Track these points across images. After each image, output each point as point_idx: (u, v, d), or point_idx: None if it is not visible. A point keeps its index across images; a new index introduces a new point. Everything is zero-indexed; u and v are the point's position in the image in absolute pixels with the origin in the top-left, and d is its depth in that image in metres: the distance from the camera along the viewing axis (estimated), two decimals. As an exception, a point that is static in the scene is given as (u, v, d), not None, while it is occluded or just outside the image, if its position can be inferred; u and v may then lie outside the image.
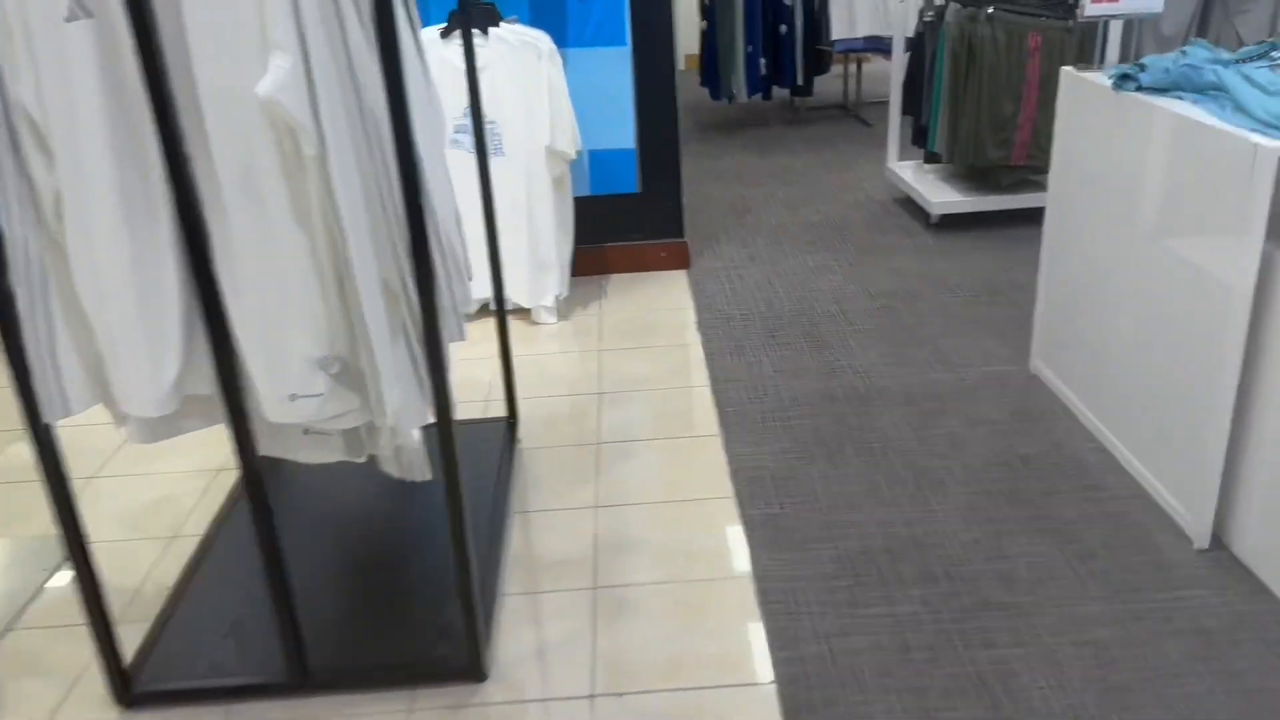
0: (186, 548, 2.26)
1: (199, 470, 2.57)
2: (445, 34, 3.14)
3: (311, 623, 1.91)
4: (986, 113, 3.77)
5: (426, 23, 3.31)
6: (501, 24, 3.12)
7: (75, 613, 1.86)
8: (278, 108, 1.39)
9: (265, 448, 1.71)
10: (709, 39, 5.49)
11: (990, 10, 3.68)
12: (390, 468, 1.83)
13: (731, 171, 5.01)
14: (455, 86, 3.12)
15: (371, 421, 1.65)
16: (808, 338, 3.14)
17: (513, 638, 1.94)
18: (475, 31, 3.08)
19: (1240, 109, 1.97)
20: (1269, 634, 1.84)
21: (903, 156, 4.47)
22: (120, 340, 1.55)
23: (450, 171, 3.20)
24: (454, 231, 2.00)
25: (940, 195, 4.01)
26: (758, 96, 5.61)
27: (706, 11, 5.48)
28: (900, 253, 3.81)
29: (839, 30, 5.43)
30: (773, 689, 1.78)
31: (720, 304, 3.44)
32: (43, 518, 2.36)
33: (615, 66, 3.46)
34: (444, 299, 1.83)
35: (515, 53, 3.10)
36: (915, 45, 4.25)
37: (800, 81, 5.62)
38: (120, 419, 1.70)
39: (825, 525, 2.22)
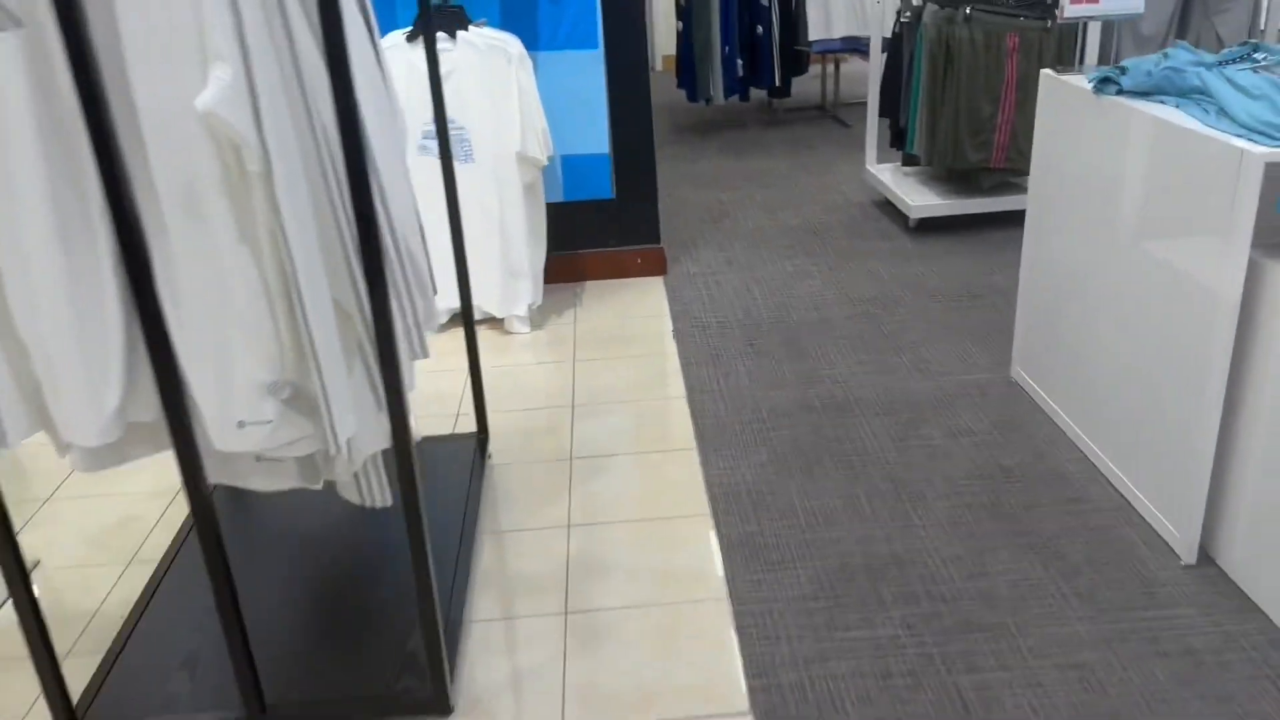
0: (144, 573, 2.18)
1: (161, 490, 2.48)
2: (411, 38, 3.06)
3: (269, 655, 1.83)
4: (965, 114, 3.72)
5: (394, 26, 3.24)
6: (470, 27, 3.04)
7: (22, 645, 1.78)
8: (218, 122, 1.31)
9: (215, 475, 1.63)
10: (685, 40, 5.43)
11: (968, 10, 3.63)
12: (349, 493, 1.76)
13: (709, 174, 4.95)
14: (422, 92, 3.04)
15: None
16: (786, 346, 3.08)
17: (481, 667, 1.87)
18: (443, 35, 3.01)
19: (1224, 113, 1.92)
20: (1258, 655, 1.79)
21: (881, 159, 4.42)
22: (59, 366, 1.47)
23: (417, 180, 3.13)
24: (417, 244, 1.93)
25: (919, 198, 3.96)
26: (735, 98, 5.55)
27: (683, 13, 5.41)
28: (879, 257, 3.76)
29: (816, 31, 5.38)
30: None
31: (697, 311, 3.38)
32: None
33: (587, 70, 3.39)
34: (406, 316, 1.76)
35: (484, 57, 3.02)
36: (893, 46, 4.20)
37: (778, 83, 5.57)
38: (63, 447, 1.62)
39: (803, 543, 2.16)
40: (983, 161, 3.80)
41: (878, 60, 4.26)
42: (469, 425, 2.72)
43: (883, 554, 2.11)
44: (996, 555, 2.09)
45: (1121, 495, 2.25)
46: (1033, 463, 2.40)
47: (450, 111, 3.06)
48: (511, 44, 3.04)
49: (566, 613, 1.99)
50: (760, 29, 5.41)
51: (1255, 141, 1.79)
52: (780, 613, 1.95)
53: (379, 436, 1.64)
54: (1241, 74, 1.99)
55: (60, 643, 1.99)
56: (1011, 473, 2.37)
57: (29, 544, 2.31)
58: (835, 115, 5.95)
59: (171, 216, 1.40)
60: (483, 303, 3.29)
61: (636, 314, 3.40)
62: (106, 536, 2.34)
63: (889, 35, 4.24)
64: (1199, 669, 1.76)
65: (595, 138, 3.50)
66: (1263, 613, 1.88)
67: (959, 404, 2.69)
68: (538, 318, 3.38)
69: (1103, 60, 3.83)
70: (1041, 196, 2.57)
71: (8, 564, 1.55)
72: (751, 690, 1.77)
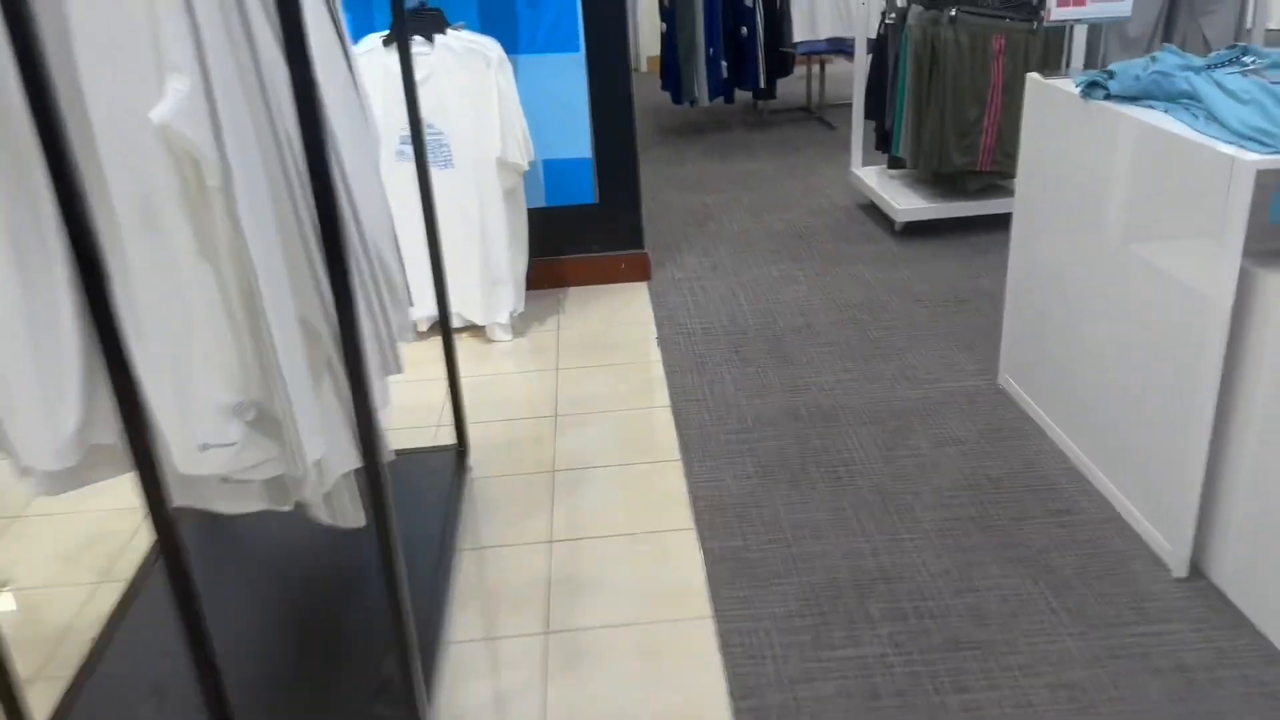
0: (113, 594, 2.12)
1: (134, 506, 2.42)
2: (388, 42, 3.01)
3: (240, 680, 1.78)
4: (951, 117, 3.69)
5: (372, 29, 3.18)
6: (448, 30, 2.99)
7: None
8: (175, 135, 1.26)
9: (179, 498, 1.58)
10: (669, 42, 5.38)
11: (953, 12, 3.59)
12: (320, 514, 1.71)
13: (693, 178, 4.91)
14: (400, 96, 2.98)
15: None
16: (771, 353, 3.04)
17: (459, 691, 1.82)
18: (420, 39, 2.96)
19: (1213, 118, 1.89)
20: (1251, 672, 1.75)
21: (867, 161, 4.38)
22: (13, 387, 1.42)
23: (396, 187, 3.07)
24: (391, 255, 1.88)
25: (905, 201, 3.93)
26: (720, 100, 5.51)
27: (666, 14, 5.37)
28: (865, 261, 3.72)
29: (801, 32, 5.34)
30: (734, 743, 1.68)
31: (682, 317, 3.34)
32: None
33: (569, 73, 3.34)
34: (379, 329, 1.71)
35: (462, 60, 2.97)
36: (878, 48, 4.16)
37: (763, 84, 5.53)
38: (22, 471, 1.56)
39: (789, 558, 2.11)
40: (968, 164, 3.77)
41: (863, 62, 4.22)
42: (450, 437, 2.67)
43: (870, 569, 2.07)
44: (985, 569, 2.05)
45: (1112, 506, 2.22)
46: (1021, 473, 2.37)
47: (429, 116, 3.00)
48: (491, 47, 2.99)
49: (548, 632, 1.95)
50: (745, 30, 5.37)
51: (1246, 148, 1.75)
52: (766, 631, 1.91)
53: (350, 456, 1.59)
54: (1230, 77, 1.95)
55: (28, 665, 1.94)
56: (1000, 483, 2.33)
57: (-5, 564, 2.25)
58: (821, 117, 5.92)
59: (129, 232, 1.35)
60: (464, 310, 3.24)
61: (620, 320, 3.36)
62: (78, 554, 2.28)
63: (874, 36, 4.21)
64: (1191, 687, 1.73)
65: (577, 141, 3.45)
66: (1255, 628, 1.85)
67: (946, 412, 2.65)
68: (520, 325, 3.33)
69: (1089, 63, 3.80)
70: (1029, 203, 2.54)
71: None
72: (737, 713, 1.73)
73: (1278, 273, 1.77)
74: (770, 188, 4.69)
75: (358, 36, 3.14)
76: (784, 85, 5.90)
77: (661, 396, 2.84)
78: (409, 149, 3.06)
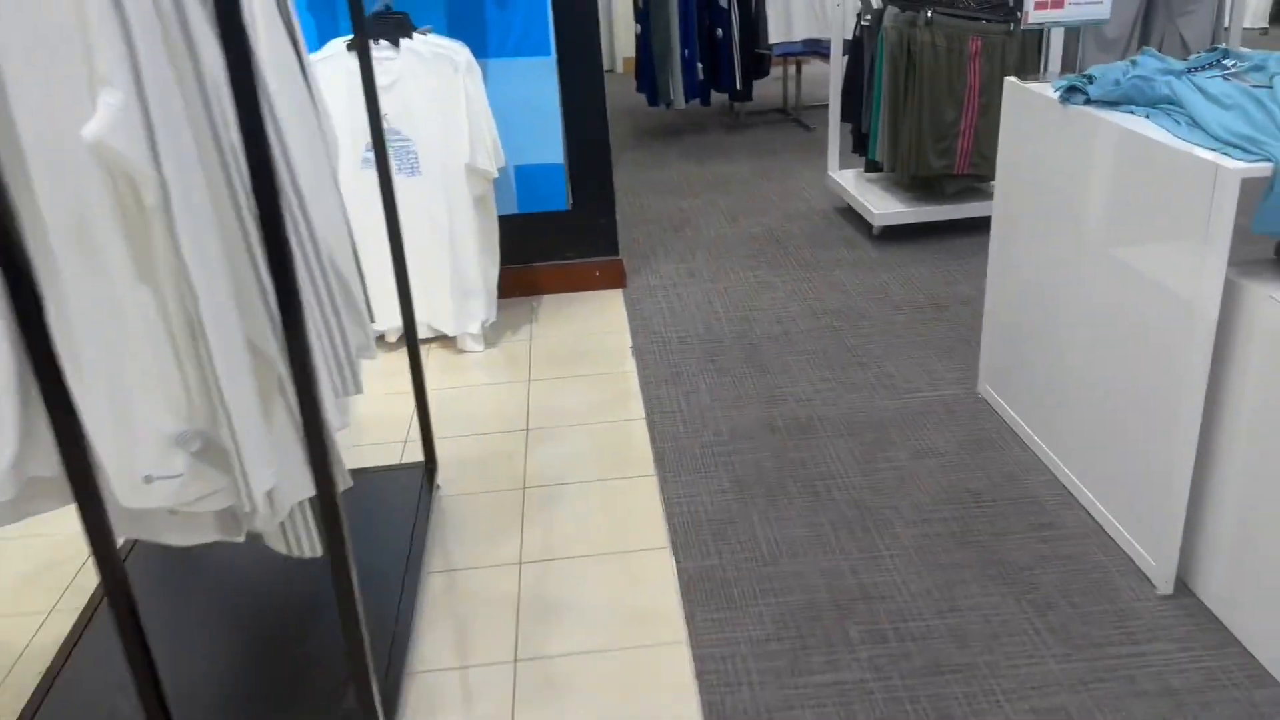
0: (65, 624, 2.04)
1: (84, 530, 2.34)
2: (352, 46, 2.93)
3: (193, 716, 1.70)
4: (928, 120, 3.64)
5: (336, 34, 3.10)
6: (415, 35, 2.91)
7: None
8: (109, 152, 1.18)
9: (125, 531, 1.50)
10: (644, 43, 5.32)
11: (929, 14, 3.54)
12: (275, 544, 1.63)
13: (669, 181, 4.85)
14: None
15: (245, 500, 1.45)
16: (748, 362, 2.98)
17: (423, 723, 1.75)
18: (385, 44, 2.88)
19: (1195, 124, 1.84)
20: (1240, 693, 1.71)
21: (844, 164, 4.33)
22: (-56, 418, 1.34)
23: (362, 195, 2.99)
24: (350, 269, 1.81)
25: (883, 205, 3.88)
26: (695, 101, 5.44)
27: (641, 15, 5.30)
28: (843, 266, 3.67)
29: (776, 33, 5.29)
30: (709, 776, 1.62)
31: (657, 325, 3.27)
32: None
33: (539, 77, 3.27)
34: (337, 348, 1.63)
35: (429, 65, 2.89)
36: (853, 50, 4.11)
37: (739, 86, 5.47)
38: (-43, 502, 1.48)
39: (766, 577, 2.06)
40: (946, 168, 3.73)
41: (839, 64, 4.17)
42: (419, 452, 2.59)
43: (849, 588, 2.01)
44: (967, 588, 2.00)
45: (1095, 521, 2.17)
46: (1003, 486, 2.32)
47: (395, 123, 2.93)
48: (459, 52, 2.92)
49: (516, 660, 1.88)
50: (720, 31, 5.31)
51: (1229, 155, 1.70)
52: (743, 656, 1.85)
53: (305, 484, 1.52)
54: (1212, 81, 1.91)
55: (-30, 703, 1.85)
56: (981, 497, 2.28)
57: (-58, 593, 2.16)
58: (797, 118, 5.87)
59: (63, 255, 1.27)
60: (434, 321, 3.16)
61: (594, 329, 3.29)
62: (29, 582, 2.20)
63: (850, 38, 4.16)
64: (1179, 710, 1.68)
65: (549, 147, 3.38)
66: (1243, 646, 1.80)
67: (925, 423, 2.60)
68: (492, 335, 3.26)
69: (1067, 65, 3.77)
70: (1007, 209, 2.49)
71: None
72: (711, 744, 1.67)
73: (1262, 282, 1.73)
74: (747, 191, 4.63)
75: (322, 41, 3.06)
76: (760, 87, 5.85)
77: (636, 409, 2.77)
78: (374, 156, 2.98)
